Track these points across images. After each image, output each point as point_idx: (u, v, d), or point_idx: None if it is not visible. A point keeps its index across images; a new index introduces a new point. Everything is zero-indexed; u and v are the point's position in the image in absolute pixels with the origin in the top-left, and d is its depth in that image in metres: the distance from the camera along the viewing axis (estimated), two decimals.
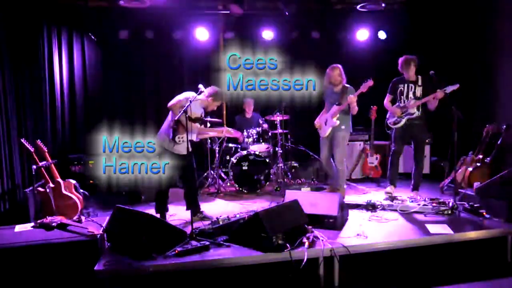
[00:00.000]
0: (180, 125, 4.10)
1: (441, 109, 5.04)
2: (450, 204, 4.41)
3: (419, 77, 5.05)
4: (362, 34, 7.01)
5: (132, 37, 6.48)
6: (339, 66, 5.14)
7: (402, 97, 5.13)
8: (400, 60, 5.10)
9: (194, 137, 4.47)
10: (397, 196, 4.89)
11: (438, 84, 4.81)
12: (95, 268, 3.12)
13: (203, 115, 4.49)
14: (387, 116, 5.33)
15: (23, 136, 4.70)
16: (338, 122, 5.06)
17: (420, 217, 4.31)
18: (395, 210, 4.53)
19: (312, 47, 7.15)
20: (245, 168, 5.90)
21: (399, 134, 5.17)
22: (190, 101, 4.03)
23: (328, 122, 5.14)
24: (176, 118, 4.06)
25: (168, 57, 6.79)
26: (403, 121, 5.09)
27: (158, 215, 4.33)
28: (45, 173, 4.41)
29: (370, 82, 4.87)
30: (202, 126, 4.36)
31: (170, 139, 4.17)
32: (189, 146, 3.98)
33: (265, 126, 6.27)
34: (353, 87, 5.07)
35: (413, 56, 5.06)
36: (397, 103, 5.19)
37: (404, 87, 5.11)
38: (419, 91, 5.03)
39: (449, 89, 4.75)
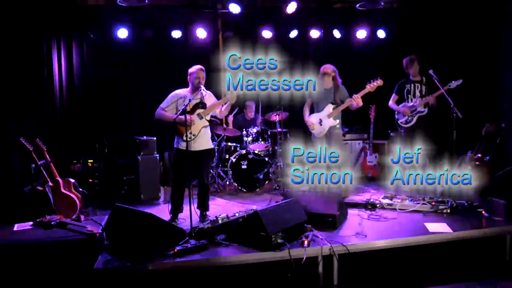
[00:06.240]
0: (181, 125, 4.10)
1: (440, 108, 5.07)
2: (449, 203, 4.42)
3: (423, 77, 5.26)
4: (361, 33, 7.02)
5: (131, 36, 6.47)
6: (331, 65, 5.11)
7: (409, 96, 5.37)
8: (405, 60, 5.35)
9: (217, 114, 4.43)
10: (396, 195, 4.90)
11: (436, 85, 4.87)
12: (94, 266, 3.12)
13: (196, 99, 4.29)
14: (397, 116, 5.50)
15: (22, 135, 4.70)
16: (337, 121, 5.06)
17: (419, 216, 4.31)
18: (394, 209, 4.54)
19: (312, 46, 7.15)
20: (244, 167, 5.91)
21: (411, 133, 5.30)
22: (190, 100, 4.04)
23: (325, 123, 5.09)
24: (175, 117, 4.05)
25: (167, 56, 6.79)
26: (415, 119, 5.30)
27: (170, 215, 4.35)
28: (44, 172, 4.41)
29: (379, 82, 4.78)
30: (202, 110, 4.28)
31: (182, 140, 4.16)
32: (184, 145, 4.00)
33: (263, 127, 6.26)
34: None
35: (416, 56, 5.30)
36: (404, 103, 5.40)
37: (411, 87, 5.36)
38: (425, 90, 5.28)
39: (453, 84, 4.91)
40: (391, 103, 5.50)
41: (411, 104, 5.31)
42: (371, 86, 4.78)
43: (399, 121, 5.48)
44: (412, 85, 5.34)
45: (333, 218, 3.88)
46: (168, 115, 4.24)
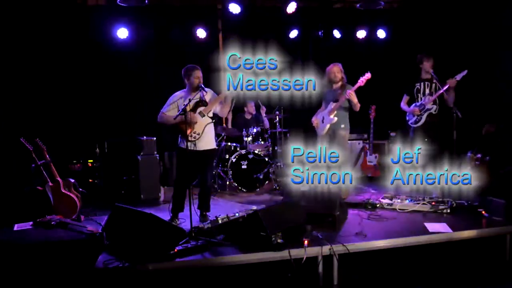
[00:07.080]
0: (183, 124, 4.08)
1: (441, 108, 5.07)
2: (449, 203, 4.42)
3: (432, 74, 5.18)
4: (361, 33, 7.02)
5: (131, 36, 6.46)
6: (339, 64, 5.17)
7: (419, 95, 5.28)
8: (420, 55, 5.25)
9: (221, 112, 4.41)
10: (396, 195, 4.90)
11: (444, 82, 4.89)
12: (94, 266, 3.12)
13: (196, 99, 4.27)
14: (407, 117, 5.43)
15: (22, 135, 4.70)
16: (336, 118, 5.05)
17: (419, 216, 4.32)
18: (394, 209, 4.54)
19: (312, 46, 7.15)
20: (244, 167, 5.91)
21: (420, 133, 5.23)
22: (190, 99, 4.03)
23: (326, 120, 5.12)
24: (175, 117, 4.04)
25: (167, 56, 6.78)
26: (424, 118, 5.21)
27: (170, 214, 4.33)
28: (44, 172, 4.41)
29: (367, 75, 4.87)
30: (203, 108, 4.26)
31: (184, 139, 4.14)
32: (189, 145, 3.98)
33: (266, 123, 6.25)
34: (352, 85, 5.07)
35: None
36: (415, 103, 5.31)
37: (420, 86, 5.27)
38: (433, 87, 5.20)
39: (459, 76, 4.90)
40: (402, 104, 5.44)
41: (419, 103, 5.25)
42: (362, 81, 4.88)
43: (409, 122, 5.40)
44: (422, 83, 5.26)
45: (333, 218, 3.87)
46: (169, 118, 4.20)
